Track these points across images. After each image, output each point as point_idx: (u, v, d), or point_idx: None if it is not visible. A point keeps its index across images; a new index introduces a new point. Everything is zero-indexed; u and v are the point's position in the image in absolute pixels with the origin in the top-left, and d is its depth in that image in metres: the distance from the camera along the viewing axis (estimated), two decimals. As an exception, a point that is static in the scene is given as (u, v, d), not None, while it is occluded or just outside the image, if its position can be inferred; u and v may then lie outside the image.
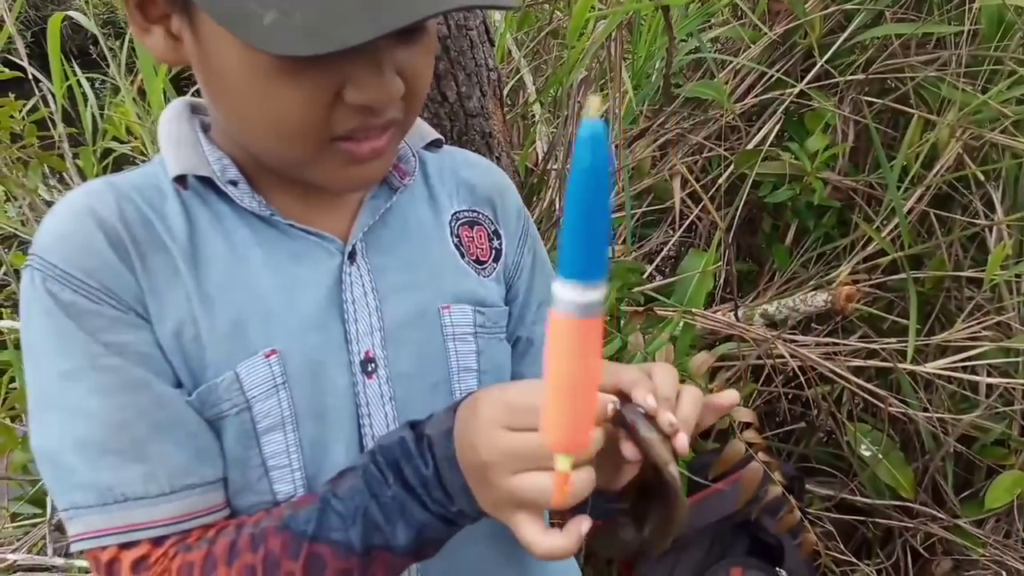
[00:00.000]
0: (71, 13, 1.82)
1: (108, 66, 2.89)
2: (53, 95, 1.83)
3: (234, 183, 0.63)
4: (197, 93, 0.65)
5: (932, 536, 1.68)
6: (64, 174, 1.80)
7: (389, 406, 0.66)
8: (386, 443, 0.58)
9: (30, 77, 1.67)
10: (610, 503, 0.62)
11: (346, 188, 0.66)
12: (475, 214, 0.76)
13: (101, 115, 2.10)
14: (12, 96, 1.80)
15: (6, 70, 1.79)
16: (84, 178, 1.81)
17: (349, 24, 0.47)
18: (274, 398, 0.61)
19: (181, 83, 2.16)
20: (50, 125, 1.82)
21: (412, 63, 0.57)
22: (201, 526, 0.59)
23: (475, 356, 0.71)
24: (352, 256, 0.66)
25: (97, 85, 2.83)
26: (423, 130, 0.72)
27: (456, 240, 0.73)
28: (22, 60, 1.80)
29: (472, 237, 0.74)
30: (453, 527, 0.58)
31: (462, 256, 0.73)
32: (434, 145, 0.73)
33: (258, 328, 0.61)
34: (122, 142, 2.00)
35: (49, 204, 1.91)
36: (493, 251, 0.76)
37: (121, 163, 2.09)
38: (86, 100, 2.06)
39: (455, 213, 0.74)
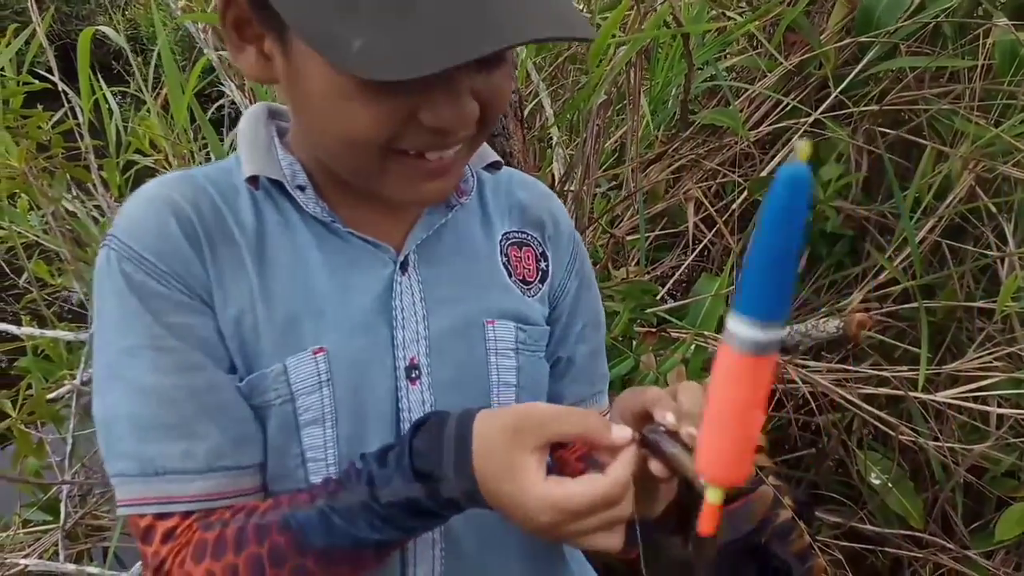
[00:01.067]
0: (102, 28, 1.86)
1: (127, 81, 2.95)
2: (80, 108, 1.87)
3: (302, 188, 0.66)
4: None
5: (942, 567, 1.67)
6: (89, 185, 1.83)
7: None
8: (393, 499, 0.58)
9: (60, 90, 1.71)
10: (655, 531, 0.64)
11: (411, 201, 0.68)
12: (524, 235, 0.78)
13: (124, 128, 2.15)
14: (40, 107, 1.84)
15: (36, 82, 1.83)
16: (108, 189, 1.84)
17: (430, 52, 0.48)
18: (317, 393, 0.64)
19: (202, 100, 2.21)
20: (77, 137, 1.86)
21: (490, 87, 0.58)
22: (227, 507, 0.62)
23: (515, 372, 0.72)
24: (404, 266, 0.69)
25: (119, 99, 2.88)
26: (484, 151, 0.73)
27: (505, 259, 0.75)
28: (53, 74, 1.85)
29: (520, 257, 0.77)
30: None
31: (510, 275, 0.75)
32: (493, 167, 0.75)
33: (310, 326, 0.64)
34: (145, 155, 2.03)
35: (72, 214, 1.95)
36: (540, 272, 0.78)
37: (143, 176, 2.12)
38: (111, 113, 2.10)
39: (506, 233, 0.77)
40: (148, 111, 2.12)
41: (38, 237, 1.92)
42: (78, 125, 1.89)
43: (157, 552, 0.61)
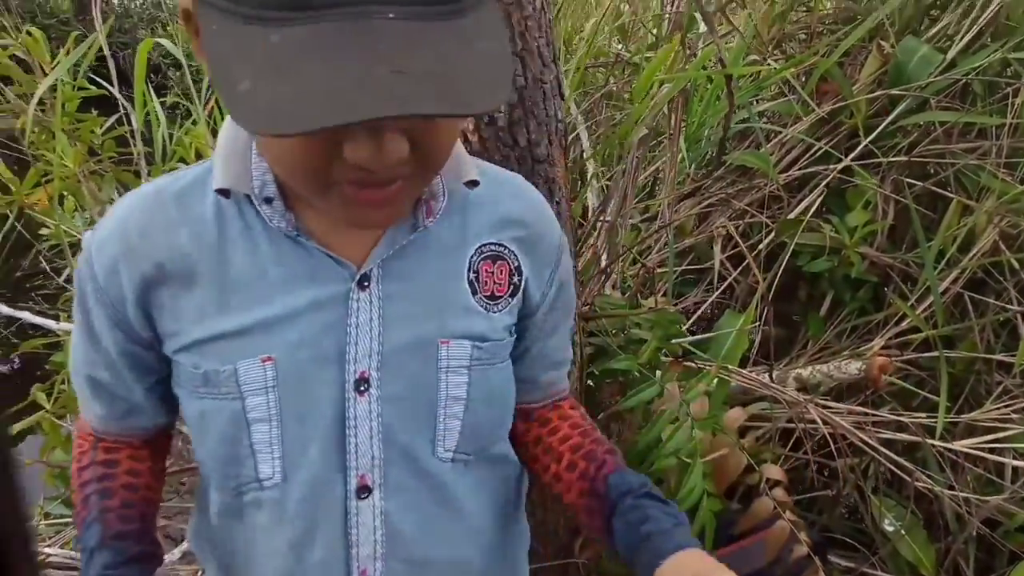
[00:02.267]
0: (161, 40, 1.93)
1: (166, 92, 3.04)
2: (132, 115, 1.94)
3: (269, 200, 0.68)
4: None
5: (951, 620, 1.68)
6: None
7: (376, 423, 0.73)
8: None
9: (119, 99, 1.78)
10: None
11: (354, 225, 0.68)
12: (502, 248, 0.78)
13: (170, 136, 2.22)
14: (95, 112, 1.92)
15: (92, 88, 1.90)
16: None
17: (304, 111, 0.48)
18: (263, 396, 0.70)
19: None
20: (128, 143, 1.93)
21: (426, 129, 0.58)
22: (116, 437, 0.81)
23: (465, 387, 0.76)
24: (364, 282, 0.71)
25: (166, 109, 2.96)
26: (464, 168, 0.73)
27: (473, 275, 0.76)
28: (108, 82, 1.92)
29: (492, 272, 0.77)
30: None
31: (475, 292, 0.76)
32: (471, 184, 0.74)
33: (261, 336, 0.69)
34: (188, 163, 2.10)
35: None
36: (511, 286, 0.78)
37: (186, 184, 2.18)
38: (158, 122, 2.17)
39: (481, 246, 0.76)
40: (194, 122, 2.20)
41: (81, 236, 1.98)
42: (129, 132, 1.95)
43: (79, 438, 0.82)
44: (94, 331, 0.73)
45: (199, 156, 2.07)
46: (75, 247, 2.01)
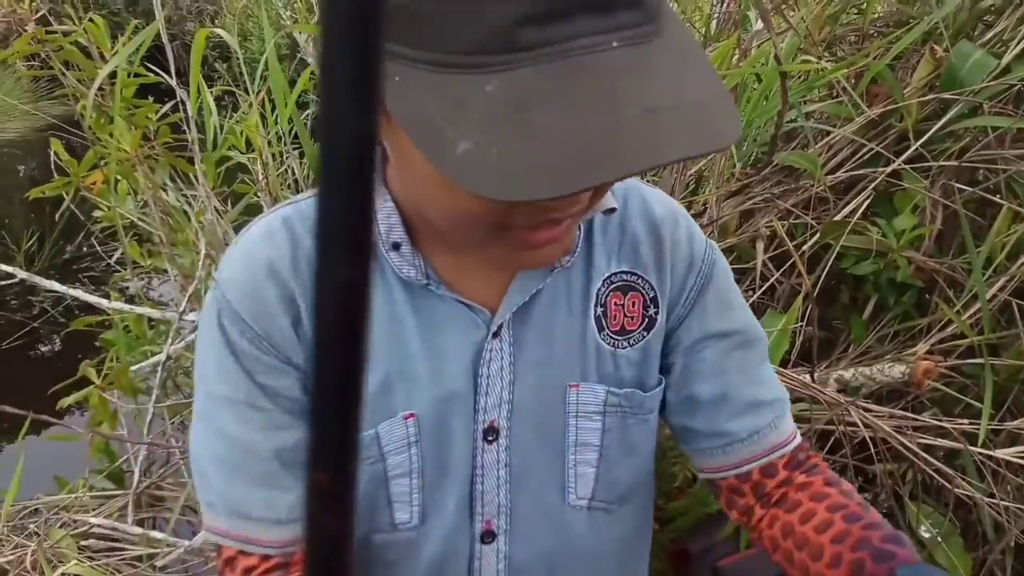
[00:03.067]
0: (217, 30, 1.98)
1: (213, 82, 3.10)
2: (183, 103, 1.99)
3: (396, 246, 0.64)
4: None
5: (986, 630, 1.66)
6: (190, 175, 1.94)
7: (504, 471, 0.71)
8: None
9: (175, 87, 1.82)
10: None
11: (519, 268, 0.66)
12: (633, 277, 0.71)
13: (221, 126, 2.27)
14: (151, 99, 1.97)
15: (150, 75, 1.95)
16: (207, 178, 1.95)
17: (544, 172, 0.42)
18: (405, 453, 0.68)
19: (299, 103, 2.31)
20: (181, 129, 1.98)
21: None
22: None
23: (599, 433, 0.71)
24: (497, 330, 0.67)
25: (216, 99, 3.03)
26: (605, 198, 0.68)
27: (601, 311, 0.70)
28: (166, 70, 1.97)
29: (622, 305, 0.71)
30: None
31: (601, 329, 0.70)
32: (608, 212, 0.69)
33: (402, 391, 0.67)
34: (239, 151, 2.15)
35: (167, 201, 2.07)
36: (646, 320, 0.72)
37: (233, 171, 2.24)
38: (210, 111, 2.22)
39: (609, 276, 0.71)
40: (245, 112, 2.25)
41: (134, 219, 2.04)
42: (185, 119, 2.00)
43: None
44: (264, 390, 0.64)
45: (249, 145, 2.12)
46: (127, 229, 2.08)
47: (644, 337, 0.72)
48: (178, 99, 2.03)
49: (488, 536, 0.72)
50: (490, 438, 0.69)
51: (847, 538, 0.65)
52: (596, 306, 0.70)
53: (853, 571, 0.63)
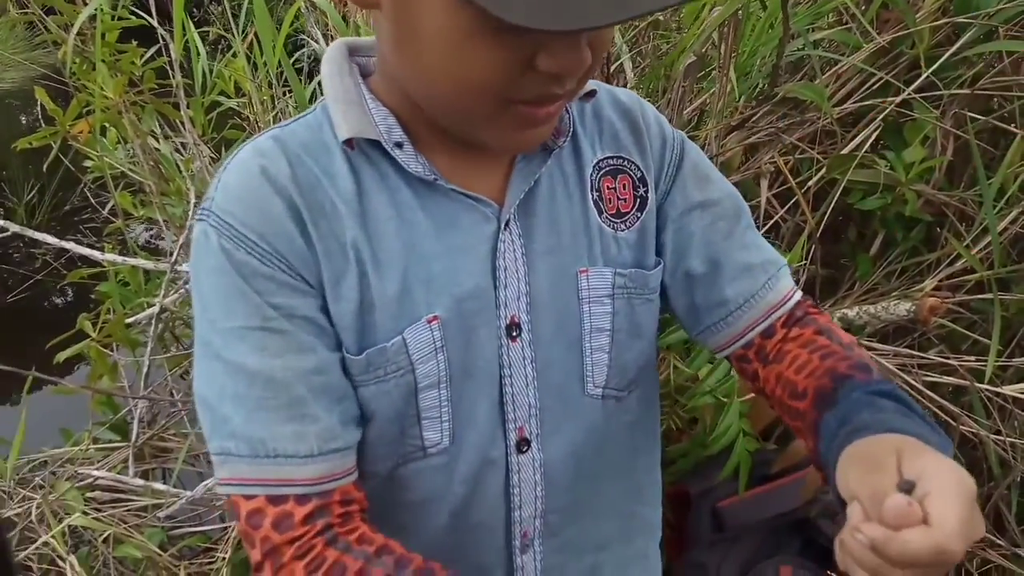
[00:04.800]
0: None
1: (207, 25, 3.02)
2: (168, 47, 1.93)
3: (399, 145, 0.63)
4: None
5: (989, 563, 1.66)
6: (176, 121, 1.90)
7: (530, 367, 0.69)
8: None
9: (158, 30, 1.76)
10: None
11: (513, 150, 0.66)
12: (620, 160, 0.73)
13: (209, 71, 2.21)
14: (135, 43, 1.91)
15: (132, 18, 1.89)
16: (194, 125, 1.90)
17: (592, 3, 0.45)
18: (433, 360, 0.65)
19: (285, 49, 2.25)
20: (168, 75, 1.92)
21: (601, 36, 0.56)
22: (341, 487, 0.62)
23: (609, 317, 0.71)
24: (507, 221, 0.67)
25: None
26: None
27: (596, 195, 0.72)
28: (147, 12, 1.91)
29: (614, 188, 0.72)
30: None
31: (600, 212, 0.71)
32: (588, 96, 0.71)
33: (422, 294, 0.64)
34: (229, 97, 2.09)
35: (156, 149, 2.02)
36: (638, 199, 0.73)
37: (225, 116, 2.19)
38: (198, 55, 2.16)
39: (597, 163, 0.72)
40: (234, 55, 2.18)
41: (124, 168, 2.00)
42: (169, 64, 1.95)
43: (268, 539, 0.58)
44: (280, 310, 0.60)
45: (238, 90, 2.06)
46: (116, 179, 2.04)
47: (639, 218, 0.73)
48: (163, 43, 1.98)
49: (523, 444, 0.70)
50: (514, 334, 0.67)
51: (817, 371, 0.68)
52: (592, 191, 0.71)
53: (816, 398, 0.66)
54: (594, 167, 0.72)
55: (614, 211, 0.72)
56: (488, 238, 0.66)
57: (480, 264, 0.66)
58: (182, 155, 1.99)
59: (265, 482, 0.59)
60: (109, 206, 2.19)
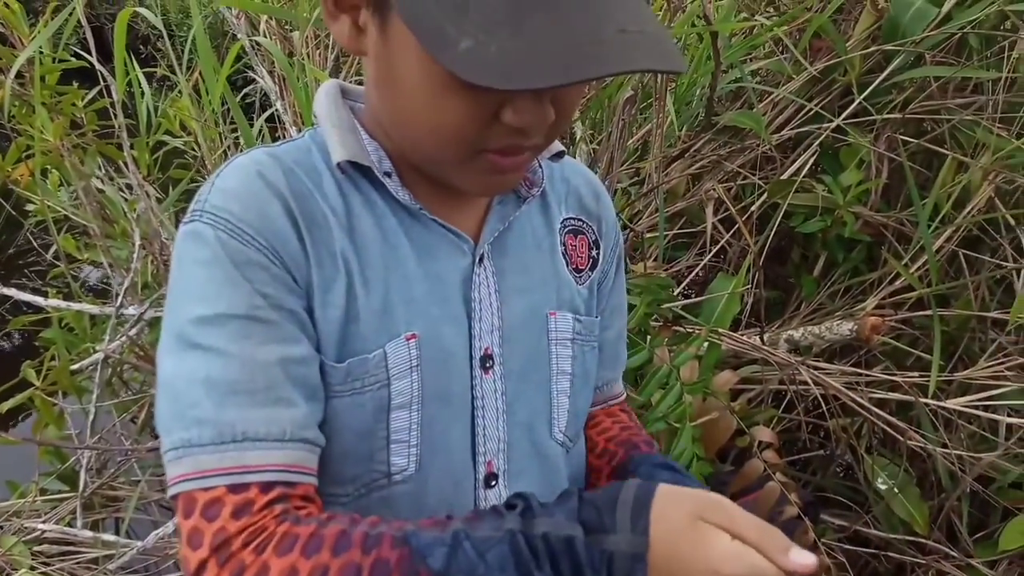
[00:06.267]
0: (140, 10, 1.90)
1: (155, 65, 3.00)
2: (114, 87, 1.91)
3: (388, 175, 0.67)
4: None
5: (944, 574, 1.68)
6: (120, 162, 1.87)
7: (501, 400, 0.71)
8: (551, 531, 0.55)
9: (96, 71, 1.74)
10: None
11: (482, 194, 0.70)
12: (580, 223, 0.80)
13: (155, 110, 2.19)
14: (76, 84, 1.88)
15: (73, 60, 1.87)
16: (138, 167, 1.88)
17: (539, 66, 0.49)
18: (408, 379, 0.65)
19: (232, 85, 2.24)
20: (110, 116, 1.90)
21: (567, 96, 0.61)
22: (304, 484, 0.59)
23: (570, 360, 0.76)
24: (481, 258, 0.71)
25: (149, 82, 2.92)
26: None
27: (563, 248, 0.78)
28: (89, 53, 1.88)
29: (576, 245, 0.79)
30: None
31: (567, 264, 0.77)
32: (557, 157, 0.77)
33: (402, 312, 0.66)
34: (175, 136, 2.07)
35: (101, 191, 1.99)
36: (591, 260, 0.80)
37: (171, 156, 2.16)
38: (143, 94, 2.14)
39: (564, 220, 0.79)
40: (179, 93, 2.17)
41: (67, 212, 1.96)
42: (111, 104, 1.93)
43: (223, 529, 0.54)
44: (269, 300, 0.60)
45: (184, 128, 2.04)
46: (60, 222, 2.00)
47: (590, 276, 0.80)
48: (104, 84, 1.95)
49: (491, 479, 0.71)
50: (488, 365, 0.70)
51: (614, 439, 0.83)
52: (560, 243, 0.78)
53: (609, 460, 0.82)
54: (561, 223, 0.78)
55: (575, 266, 0.79)
56: (463, 270, 0.69)
57: (455, 293, 0.69)
58: (127, 196, 1.95)
59: (229, 470, 0.56)
60: (53, 249, 2.14)
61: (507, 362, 0.71)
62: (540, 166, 0.75)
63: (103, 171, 1.99)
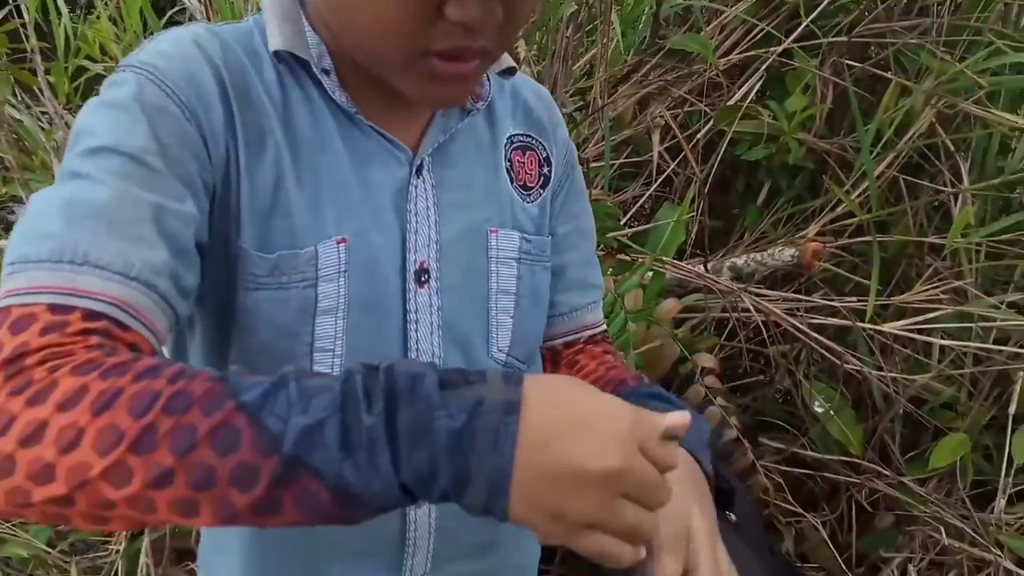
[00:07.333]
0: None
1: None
2: (25, 6, 1.78)
3: (326, 72, 0.64)
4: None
5: (877, 492, 1.75)
6: (35, 88, 1.76)
7: (436, 316, 0.69)
8: (399, 368, 0.46)
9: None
10: None
11: (426, 103, 0.67)
12: (529, 139, 0.78)
13: (74, 33, 2.06)
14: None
15: (-24, -23, 1.73)
16: (56, 94, 1.77)
17: None
18: (335, 283, 0.64)
19: (157, 8, 2.11)
20: (23, 38, 1.77)
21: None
22: (138, 333, 0.50)
23: (515, 280, 0.74)
24: (419, 169, 0.69)
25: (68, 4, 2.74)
26: (502, 57, 0.73)
27: (508, 164, 0.75)
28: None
29: (523, 162, 0.77)
30: (405, 501, 0.46)
31: (511, 181, 0.75)
32: (507, 72, 0.74)
33: (332, 214, 0.64)
34: (95, 61, 1.95)
35: (18, 121, 1.87)
36: (541, 177, 0.78)
37: (93, 83, 2.04)
38: (59, 16, 2.00)
39: (511, 136, 0.76)
40: (98, 16, 2.03)
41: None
42: (22, 26, 1.80)
43: (24, 344, 0.45)
44: (165, 151, 0.54)
45: (104, 52, 1.92)
46: (-25, 155, 1.89)
47: (541, 194, 0.78)
48: (15, 4, 1.82)
49: None
50: (423, 279, 0.68)
51: (600, 380, 0.78)
52: (505, 159, 0.75)
53: None
54: (508, 139, 0.76)
55: (522, 183, 0.76)
56: (399, 180, 0.68)
57: (388, 203, 0.67)
58: (44, 127, 1.84)
59: (57, 289, 0.47)
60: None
61: (444, 277, 0.69)
62: (488, 80, 0.73)
63: (19, 99, 1.87)
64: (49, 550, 1.52)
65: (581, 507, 0.45)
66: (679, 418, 0.49)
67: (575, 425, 0.45)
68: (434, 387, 0.45)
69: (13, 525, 1.52)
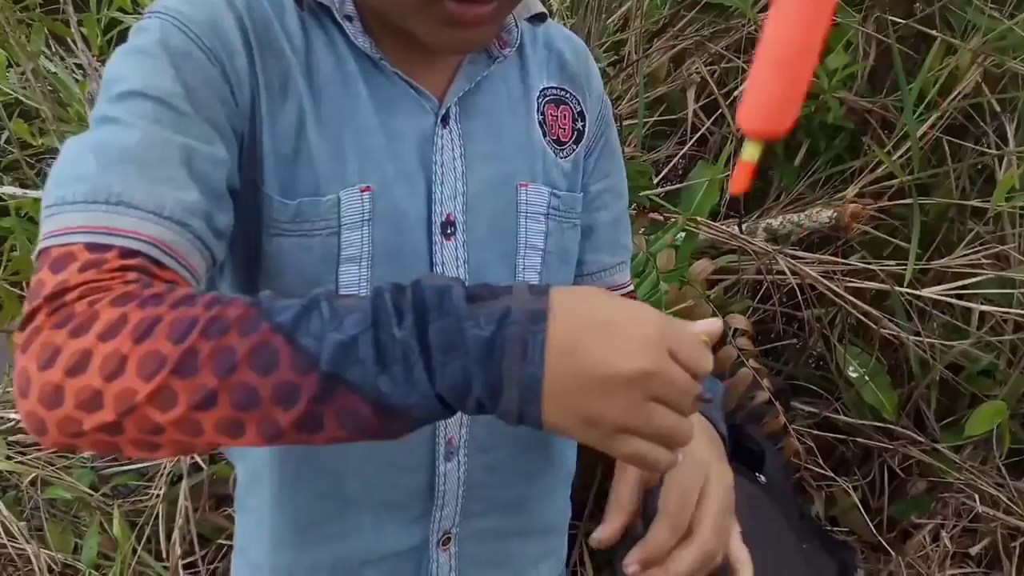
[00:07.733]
0: None
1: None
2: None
3: (349, 18, 0.63)
4: None
5: (910, 458, 1.73)
6: (69, 40, 1.76)
7: (463, 269, 0.68)
8: (426, 283, 0.47)
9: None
10: None
11: (445, 49, 0.65)
12: (563, 92, 0.75)
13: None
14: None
15: (11, -72, 1.73)
16: (89, 46, 1.77)
17: None
18: (358, 232, 0.63)
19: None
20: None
21: None
22: (174, 270, 0.52)
23: (543, 236, 0.72)
24: (445, 119, 0.67)
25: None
26: (529, 1, 0.71)
27: (541, 117, 0.73)
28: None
29: (556, 116, 0.74)
30: (444, 413, 0.47)
31: (544, 135, 0.73)
32: (537, 18, 0.72)
33: (355, 162, 0.63)
34: (127, 13, 1.95)
35: (53, 73, 1.88)
36: (575, 132, 0.76)
37: (125, 35, 2.04)
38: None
39: (544, 89, 0.74)
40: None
41: (17, 94, 1.86)
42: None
43: (64, 281, 0.47)
44: (191, 95, 0.55)
45: (136, 3, 1.92)
46: (11, 106, 1.90)
47: (574, 150, 0.75)
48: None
49: None
50: (449, 231, 0.67)
51: None
52: (537, 112, 0.73)
53: None
54: (540, 92, 0.73)
55: (555, 138, 0.74)
56: (425, 130, 0.66)
57: (415, 153, 0.66)
58: (78, 79, 1.85)
59: (93, 229, 0.49)
60: (4, 136, 2.05)
61: (471, 231, 0.68)
62: (516, 25, 0.70)
63: (52, 50, 1.88)
64: (92, 493, 1.55)
65: (612, 411, 0.45)
66: (710, 324, 0.49)
67: (602, 329, 0.46)
68: (461, 300, 0.45)
69: (57, 468, 1.56)
